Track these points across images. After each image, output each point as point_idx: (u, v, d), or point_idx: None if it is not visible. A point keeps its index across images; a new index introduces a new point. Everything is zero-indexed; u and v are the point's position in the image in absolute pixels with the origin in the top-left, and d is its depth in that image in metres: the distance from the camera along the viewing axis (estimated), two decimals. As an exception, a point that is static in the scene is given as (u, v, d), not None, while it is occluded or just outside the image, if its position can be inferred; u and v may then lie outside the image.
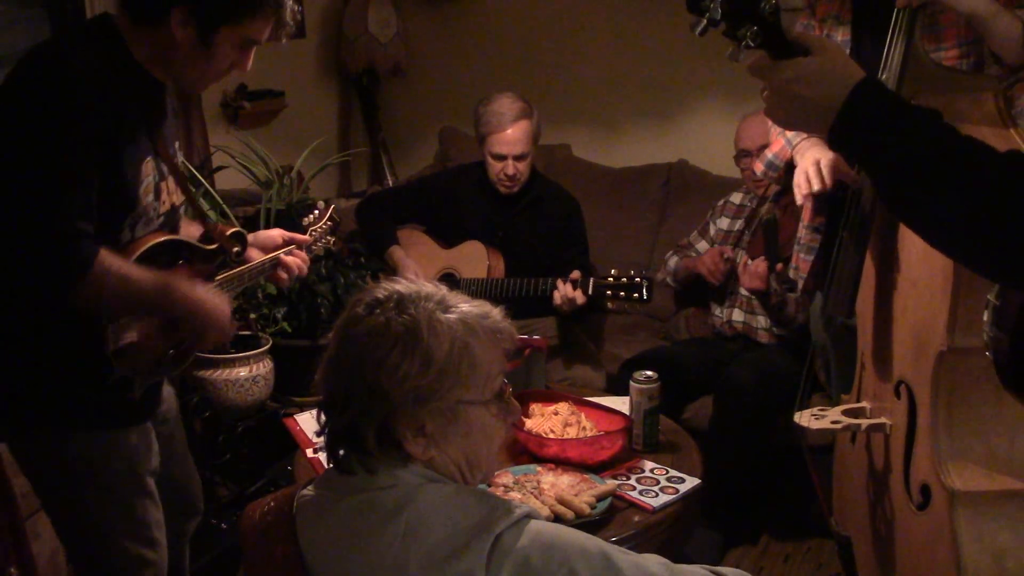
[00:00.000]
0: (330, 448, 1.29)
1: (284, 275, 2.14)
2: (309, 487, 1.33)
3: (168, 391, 2.13)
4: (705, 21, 1.19)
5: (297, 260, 2.16)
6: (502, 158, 3.21)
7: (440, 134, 4.40)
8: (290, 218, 3.18)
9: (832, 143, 1.22)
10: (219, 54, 1.79)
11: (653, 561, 1.23)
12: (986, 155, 1.12)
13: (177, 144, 1.98)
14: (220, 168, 3.61)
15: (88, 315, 1.74)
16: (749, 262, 3.10)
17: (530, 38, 4.31)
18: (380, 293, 1.27)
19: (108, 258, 1.70)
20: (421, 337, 1.21)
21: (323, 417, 1.29)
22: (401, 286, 1.28)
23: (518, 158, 3.21)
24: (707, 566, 1.28)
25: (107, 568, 1.95)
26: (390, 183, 4.48)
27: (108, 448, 1.87)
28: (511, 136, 3.18)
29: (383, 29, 4.40)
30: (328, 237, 2.39)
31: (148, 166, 1.81)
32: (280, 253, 2.15)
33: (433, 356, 1.21)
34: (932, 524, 1.73)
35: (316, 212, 2.40)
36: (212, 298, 1.86)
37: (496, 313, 1.29)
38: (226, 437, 2.95)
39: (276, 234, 2.19)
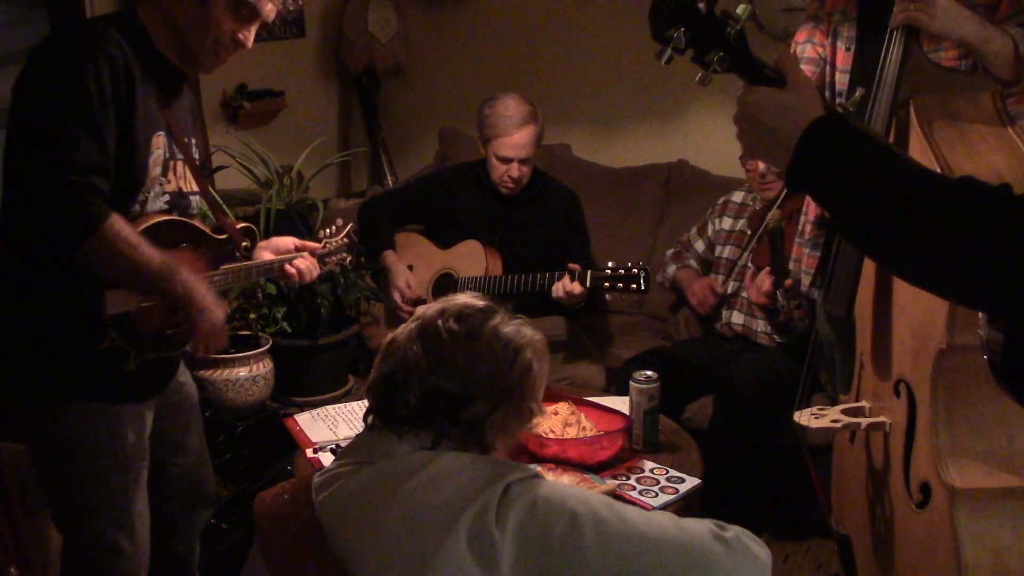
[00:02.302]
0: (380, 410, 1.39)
1: (293, 271, 2.18)
2: (322, 471, 1.38)
3: (187, 381, 2.17)
4: (670, 50, 1.23)
5: (306, 263, 2.21)
6: (508, 161, 3.21)
7: (440, 134, 4.40)
8: (289, 218, 3.18)
9: (788, 181, 1.23)
10: (213, 15, 1.85)
11: (658, 512, 1.34)
12: (936, 184, 1.14)
13: (194, 140, 2.03)
14: (220, 168, 3.61)
15: (89, 279, 1.77)
16: (755, 273, 3.08)
17: (530, 38, 4.31)
18: (482, 302, 1.41)
19: (120, 223, 1.75)
20: (522, 351, 1.38)
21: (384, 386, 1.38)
22: (473, 299, 1.42)
23: (523, 161, 3.22)
24: (713, 520, 1.33)
25: (82, 549, 1.97)
26: (390, 183, 4.48)
27: (98, 422, 1.89)
28: (518, 140, 3.18)
29: (383, 29, 4.40)
30: (344, 254, 2.43)
31: (159, 139, 1.87)
32: (290, 257, 2.19)
33: (531, 366, 1.39)
34: (932, 522, 1.73)
35: (334, 227, 2.45)
36: (209, 297, 1.88)
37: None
38: (226, 437, 2.96)
39: (289, 241, 2.25)
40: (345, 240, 2.43)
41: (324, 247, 2.35)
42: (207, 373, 2.89)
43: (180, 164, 1.95)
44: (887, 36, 2.02)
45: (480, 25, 4.45)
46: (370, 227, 3.44)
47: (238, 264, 2.09)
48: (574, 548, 1.22)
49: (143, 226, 1.84)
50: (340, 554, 1.28)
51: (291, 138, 4.03)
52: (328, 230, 2.43)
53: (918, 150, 1.75)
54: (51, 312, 1.83)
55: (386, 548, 1.25)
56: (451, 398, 1.33)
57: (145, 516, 2.00)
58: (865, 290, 2.06)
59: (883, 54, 2.02)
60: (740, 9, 1.23)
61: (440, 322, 1.36)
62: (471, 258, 3.28)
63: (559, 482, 1.35)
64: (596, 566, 1.22)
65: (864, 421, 1.97)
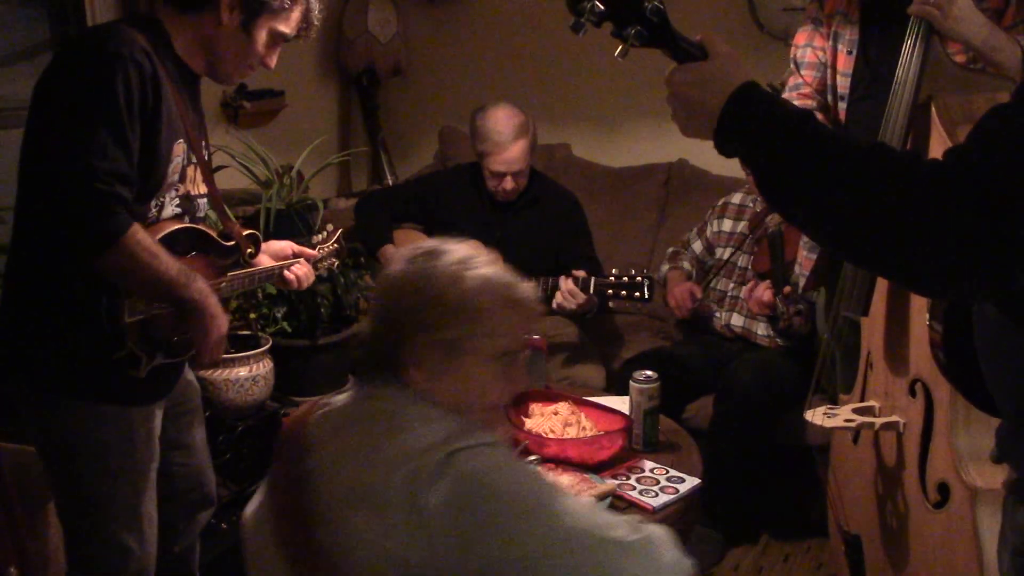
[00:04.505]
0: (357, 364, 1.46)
1: (292, 277, 2.25)
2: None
3: (192, 380, 2.19)
4: (584, 22, 1.24)
5: (303, 270, 2.27)
6: (501, 176, 3.20)
7: (440, 134, 4.40)
8: (289, 218, 3.18)
9: (717, 147, 1.26)
10: (256, 43, 1.92)
11: (588, 505, 1.34)
12: (849, 147, 1.15)
13: (204, 141, 2.04)
14: (220, 168, 3.59)
15: (108, 286, 1.78)
16: (756, 283, 3.08)
17: (530, 38, 4.31)
18: (427, 245, 1.44)
19: (140, 233, 1.76)
20: (439, 282, 1.37)
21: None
22: (443, 244, 1.43)
23: (517, 174, 3.20)
24: (636, 518, 1.36)
25: (91, 550, 1.97)
26: (390, 183, 4.47)
27: (110, 424, 1.89)
28: (510, 156, 3.16)
29: (383, 29, 4.40)
30: (333, 259, 2.52)
31: (179, 147, 1.89)
32: (288, 263, 2.26)
33: (445, 297, 1.36)
34: (950, 522, 1.73)
35: (326, 232, 2.54)
36: (220, 310, 1.91)
37: (524, 286, 1.42)
38: (226, 437, 2.95)
39: (287, 245, 2.30)
40: (335, 246, 2.52)
41: (319, 252, 2.42)
42: (207, 373, 2.89)
43: (193, 168, 1.96)
44: (907, 35, 2.01)
45: (480, 25, 4.45)
46: (368, 223, 3.44)
47: (243, 271, 2.12)
48: (488, 529, 1.23)
49: (160, 235, 1.84)
50: (309, 473, 1.34)
51: (291, 138, 4.03)
52: (321, 235, 2.52)
53: (940, 150, 1.74)
54: (68, 318, 1.82)
55: (339, 479, 1.30)
56: (392, 335, 1.37)
57: (153, 517, 2.00)
58: (878, 290, 2.05)
59: (903, 53, 2.02)
60: None
61: (392, 269, 1.42)
62: (472, 258, 3.27)
63: (509, 457, 1.33)
64: (505, 548, 1.23)
65: (878, 420, 1.97)
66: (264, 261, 2.20)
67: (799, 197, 1.18)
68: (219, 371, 2.89)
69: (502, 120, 3.17)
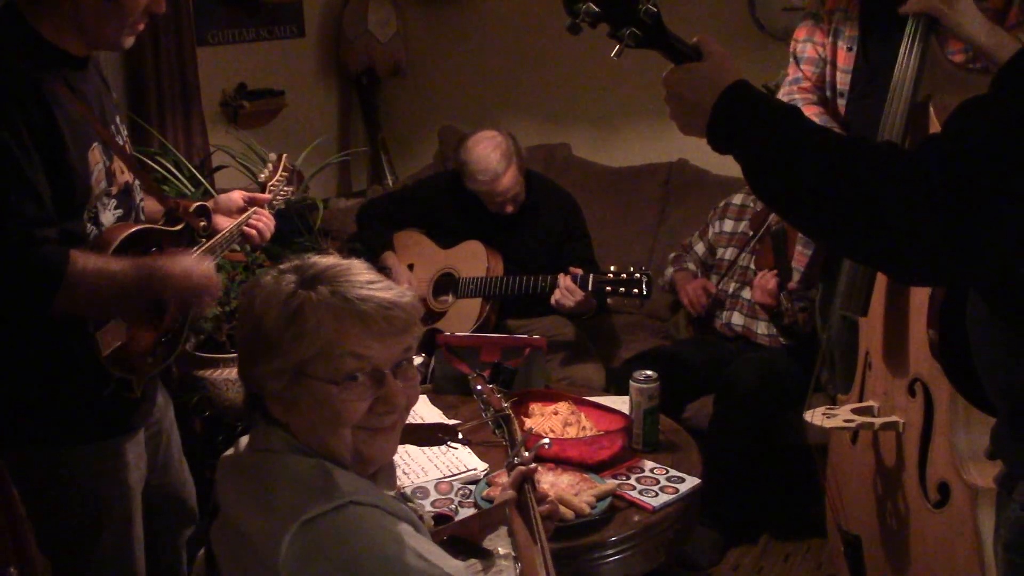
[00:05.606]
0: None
1: (252, 232, 2.13)
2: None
3: (163, 399, 2.11)
4: (580, 23, 1.27)
5: (261, 221, 2.14)
6: (500, 203, 3.20)
7: (440, 134, 4.40)
8: (289, 217, 3.18)
9: (710, 143, 1.30)
10: (127, 4, 1.73)
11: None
12: (830, 141, 1.19)
13: (119, 119, 1.92)
14: (220, 168, 3.62)
15: (76, 326, 1.70)
16: (755, 271, 3.08)
17: (530, 38, 4.31)
18: (294, 261, 1.34)
19: (81, 258, 1.65)
20: (253, 305, 1.29)
21: None
22: (312, 257, 1.33)
23: (515, 196, 3.20)
24: None
25: None
26: (390, 182, 4.48)
27: (102, 460, 1.85)
28: (503, 187, 3.14)
29: (383, 29, 4.41)
30: (286, 188, 2.33)
31: (95, 153, 1.76)
32: (245, 217, 2.13)
33: (262, 322, 1.27)
34: (951, 521, 1.73)
35: (270, 167, 2.33)
36: (196, 266, 1.82)
37: (379, 297, 1.27)
38: (226, 437, 2.95)
39: (237, 196, 2.16)
40: (285, 174, 2.33)
41: (270, 192, 2.25)
42: (207, 373, 2.89)
43: (116, 160, 1.84)
44: (905, 37, 2.01)
45: (480, 25, 4.45)
46: (369, 230, 3.44)
47: (203, 246, 2.02)
48: None
49: (111, 248, 1.76)
50: (216, 506, 1.34)
51: (291, 138, 4.04)
52: (265, 172, 2.32)
53: None
54: (48, 374, 1.76)
55: (225, 526, 1.29)
56: (245, 367, 1.32)
57: (142, 539, 1.97)
58: (877, 289, 2.06)
59: (900, 54, 2.02)
60: None
61: (246, 292, 1.35)
62: (473, 258, 3.27)
63: (355, 519, 1.23)
64: None
65: (878, 420, 1.97)
66: (221, 223, 2.08)
67: (784, 188, 1.21)
68: (219, 371, 2.89)
69: (484, 156, 3.12)
